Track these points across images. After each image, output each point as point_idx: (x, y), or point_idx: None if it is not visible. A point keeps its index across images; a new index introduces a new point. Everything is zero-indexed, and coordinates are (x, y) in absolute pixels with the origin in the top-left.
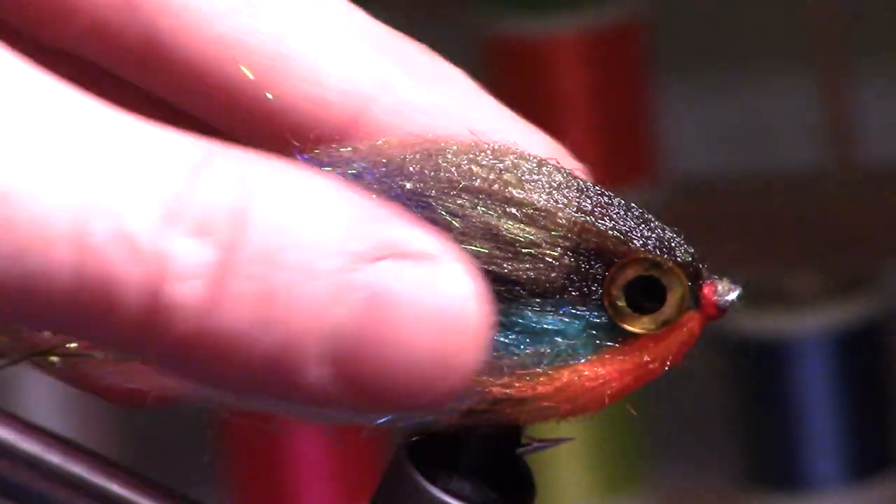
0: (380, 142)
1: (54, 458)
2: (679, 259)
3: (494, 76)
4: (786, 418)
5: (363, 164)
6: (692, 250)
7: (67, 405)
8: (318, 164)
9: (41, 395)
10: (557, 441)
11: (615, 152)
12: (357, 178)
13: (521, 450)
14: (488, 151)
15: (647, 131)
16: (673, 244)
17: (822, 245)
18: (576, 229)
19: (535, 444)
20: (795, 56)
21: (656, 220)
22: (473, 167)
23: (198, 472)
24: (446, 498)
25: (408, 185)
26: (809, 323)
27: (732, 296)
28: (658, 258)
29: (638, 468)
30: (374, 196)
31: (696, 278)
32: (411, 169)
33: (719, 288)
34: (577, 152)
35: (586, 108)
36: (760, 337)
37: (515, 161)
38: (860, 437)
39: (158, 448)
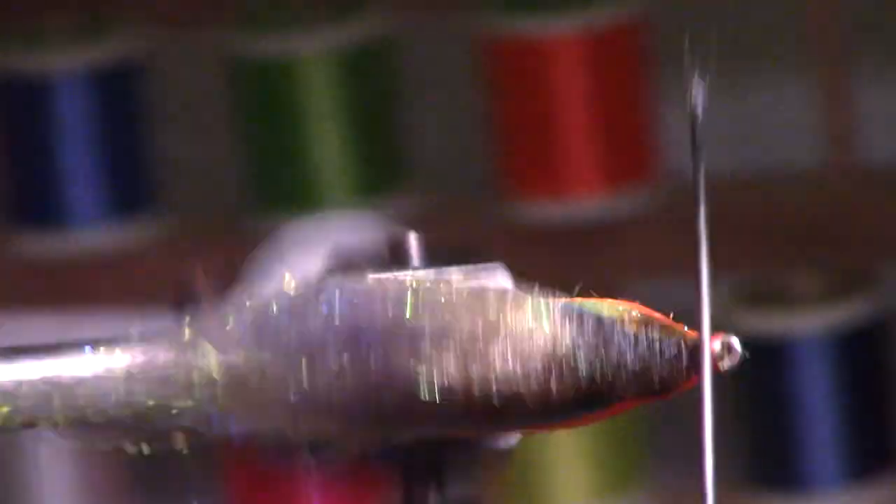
0: None
1: None
2: None
3: (494, 76)
4: (786, 418)
5: None
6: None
7: None
8: None
9: None
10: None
11: (615, 152)
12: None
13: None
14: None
15: (647, 131)
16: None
17: (822, 245)
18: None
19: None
20: (795, 56)
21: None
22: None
23: (199, 482)
24: None
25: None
26: (809, 323)
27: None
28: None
29: (638, 468)
30: None
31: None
32: None
33: None
34: (577, 152)
35: (586, 108)
36: (760, 337)
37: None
38: (860, 437)
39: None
